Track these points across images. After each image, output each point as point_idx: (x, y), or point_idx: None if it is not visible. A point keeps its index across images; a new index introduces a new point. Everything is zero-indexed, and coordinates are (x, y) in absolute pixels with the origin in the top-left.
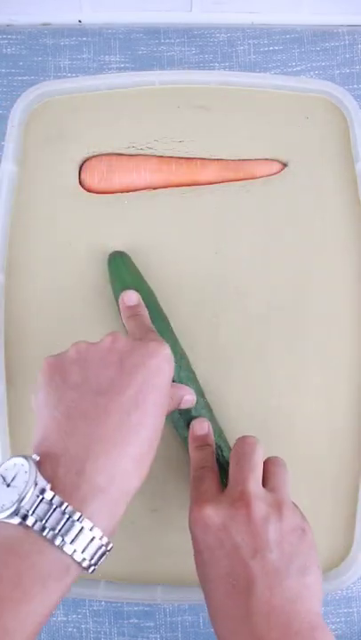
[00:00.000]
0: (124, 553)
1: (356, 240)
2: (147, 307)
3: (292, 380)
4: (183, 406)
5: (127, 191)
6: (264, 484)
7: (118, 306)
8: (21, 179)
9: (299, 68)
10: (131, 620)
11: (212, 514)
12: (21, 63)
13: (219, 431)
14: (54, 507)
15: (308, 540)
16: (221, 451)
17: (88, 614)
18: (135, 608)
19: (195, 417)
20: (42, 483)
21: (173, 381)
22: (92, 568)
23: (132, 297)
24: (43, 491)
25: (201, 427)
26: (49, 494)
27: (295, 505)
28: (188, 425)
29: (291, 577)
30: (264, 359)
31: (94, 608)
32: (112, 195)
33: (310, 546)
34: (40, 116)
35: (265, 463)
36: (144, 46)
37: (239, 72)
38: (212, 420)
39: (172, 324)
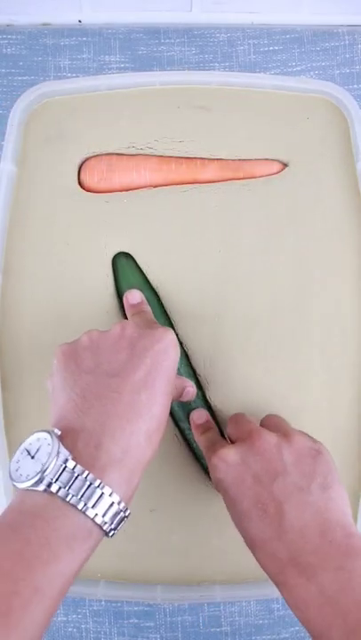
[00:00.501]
0: (123, 552)
1: (358, 239)
2: (150, 307)
3: (293, 379)
4: (185, 398)
5: (127, 191)
6: None
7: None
8: (20, 179)
9: (299, 68)
10: (131, 620)
11: (230, 453)
12: (21, 63)
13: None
14: (76, 475)
15: (325, 459)
16: None
17: (88, 614)
18: (135, 608)
19: (194, 408)
20: (64, 453)
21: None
22: (112, 532)
23: (135, 295)
24: (65, 460)
25: (199, 416)
26: (71, 463)
27: (305, 433)
28: (187, 417)
29: (314, 493)
30: (266, 358)
31: (94, 608)
32: (111, 194)
33: (328, 464)
34: (40, 116)
35: (261, 422)
36: (144, 46)
37: (239, 72)
38: (212, 417)
39: (174, 324)
